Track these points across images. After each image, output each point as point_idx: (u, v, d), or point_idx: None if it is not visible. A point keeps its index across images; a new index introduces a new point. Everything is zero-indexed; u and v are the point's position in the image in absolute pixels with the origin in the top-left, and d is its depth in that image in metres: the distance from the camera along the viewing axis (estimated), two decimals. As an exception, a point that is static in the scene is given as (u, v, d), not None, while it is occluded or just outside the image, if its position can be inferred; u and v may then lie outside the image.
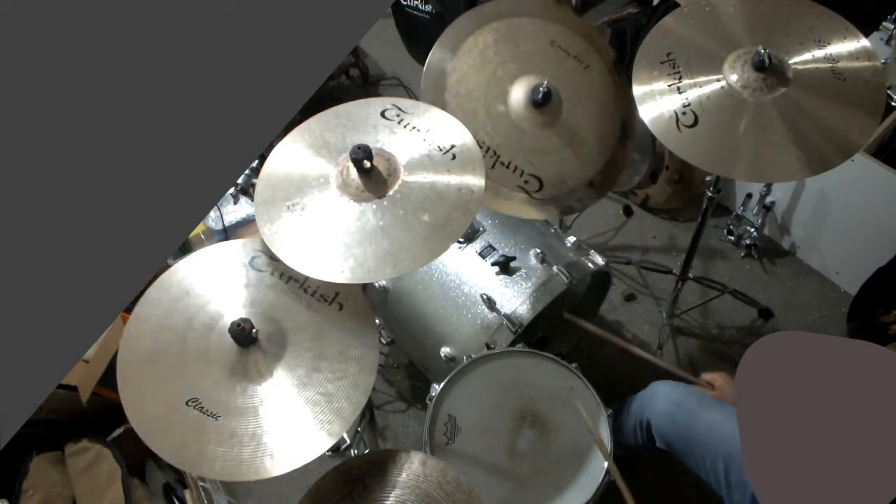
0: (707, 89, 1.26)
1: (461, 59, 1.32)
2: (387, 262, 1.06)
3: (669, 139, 1.23)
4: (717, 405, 1.28)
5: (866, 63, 1.24)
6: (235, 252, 1.18)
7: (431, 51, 1.31)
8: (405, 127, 1.20)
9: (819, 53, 1.26)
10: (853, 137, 1.19)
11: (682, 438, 1.29)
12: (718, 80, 1.26)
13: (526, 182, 1.25)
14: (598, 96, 1.35)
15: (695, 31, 1.32)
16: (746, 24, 1.31)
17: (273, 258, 1.15)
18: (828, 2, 1.31)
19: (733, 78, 1.25)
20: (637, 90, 1.28)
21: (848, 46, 1.26)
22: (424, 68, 1.31)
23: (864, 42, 1.26)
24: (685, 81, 1.27)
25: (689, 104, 1.25)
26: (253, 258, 1.16)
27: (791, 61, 1.26)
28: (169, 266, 1.16)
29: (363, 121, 1.21)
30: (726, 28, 1.31)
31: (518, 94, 1.31)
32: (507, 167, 1.25)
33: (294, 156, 1.18)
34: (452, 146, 1.17)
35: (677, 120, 1.24)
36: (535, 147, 1.28)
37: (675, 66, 1.28)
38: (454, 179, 1.13)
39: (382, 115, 1.22)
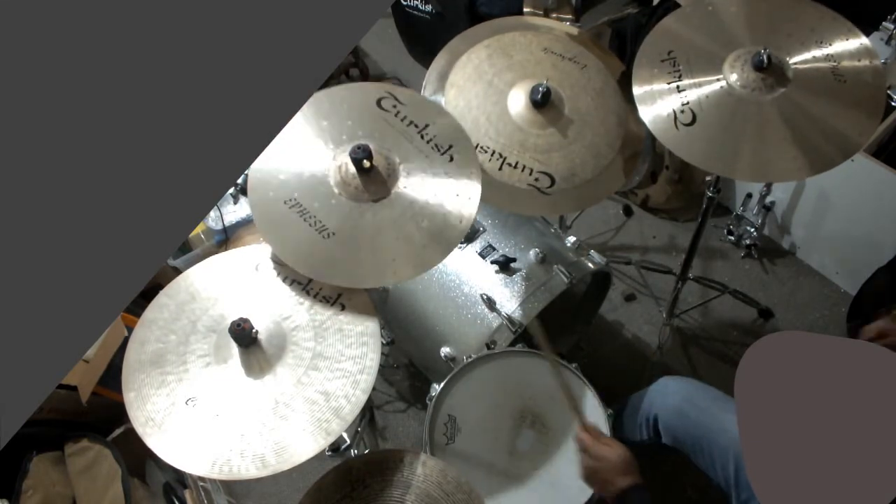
0: (707, 88, 1.26)
1: (456, 74, 1.34)
2: (387, 268, 1.06)
3: (667, 138, 1.23)
4: (728, 403, 1.28)
5: (867, 65, 1.24)
6: (242, 258, 1.19)
7: (423, 87, 1.34)
8: (402, 120, 1.19)
9: (820, 54, 1.26)
10: (853, 137, 1.19)
11: (692, 435, 1.28)
12: (718, 80, 1.26)
13: (536, 180, 1.26)
14: (599, 91, 1.36)
15: (696, 30, 1.32)
16: (748, 25, 1.31)
17: (278, 262, 1.15)
18: (829, 2, 1.31)
19: (733, 77, 1.25)
20: (637, 89, 1.28)
21: (849, 47, 1.26)
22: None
23: (865, 43, 1.25)
24: (685, 80, 1.27)
25: (687, 102, 1.25)
26: (258, 263, 1.17)
27: (791, 62, 1.26)
28: (169, 266, 1.16)
29: (360, 108, 1.20)
30: (728, 28, 1.31)
31: (517, 98, 1.32)
32: (515, 167, 1.26)
33: (289, 146, 1.17)
34: (450, 146, 1.17)
35: (675, 118, 1.24)
36: (541, 145, 1.29)
37: (675, 65, 1.29)
38: (452, 183, 1.13)
39: (378, 104, 1.21)
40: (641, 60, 1.30)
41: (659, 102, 1.26)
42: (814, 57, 1.26)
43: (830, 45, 1.26)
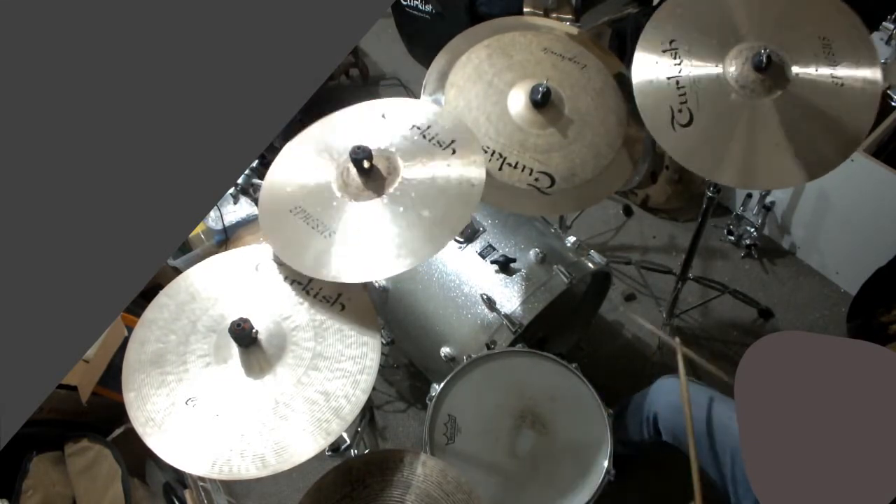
0: (706, 85, 1.25)
1: (456, 74, 1.34)
2: (388, 259, 1.06)
3: (664, 138, 1.23)
4: (725, 400, 1.28)
5: (865, 67, 1.23)
6: (242, 258, 1.19)
7: (423, 87, 1.35)
8: (405, 125, 1.20)
9: (820, 55, 1.26)
10: (847, 143, 1.19)
11: None
12: (717, 77, 1.26)
13: (536, 180, 1.26)
14: (599, 91, 1.36)
15: (701, 14, 1.31)
16: (753, 12, 1.30)
17: (278, 262, 1.15)
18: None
19: (732, 73, 1.25)
20: (636, 73, 1.27)
21: (850, 47, 1.25)
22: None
23: (866, 43, 1.25)
24: (685, 70, 1.26)
25: (685, 100, 1.24)
26: (258, 263, 1.17)
27: (791, 62, 1.25)
28: (169, 266, 1.17)
29: (364, 123, 1.22)
30: (733, 14, 1.30)
31: (517, 97, 1.32)
32: (515, 167, 1.26)
33: (296, 163, 1.19)
34: (453, 141, 1.17)
35: (672, 118, 1.24)
36: (541, 145, 1.29)
37: (676, 56, 1.28)
38: (454, 173, 1.13)
39: (383, 117, 1.22)
40: (644, 45, 1.29)
41: (657, 90, 1.25)
42: (814, 57, 1.25)
43: (832, 42, 1.25)
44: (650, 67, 1.28)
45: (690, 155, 1.22)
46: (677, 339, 1.30)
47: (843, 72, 1.23)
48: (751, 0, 1.32)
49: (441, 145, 1.17)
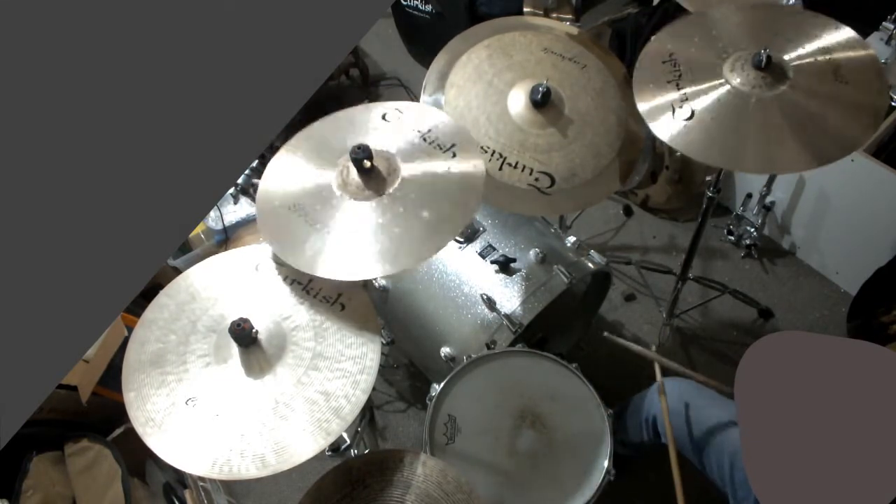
0: (709, 90, 1.25)
1: (456, 74, 1.34)
2: (386, 259, 1.06)
3: (673, 137, 1.22)
4: (724, 403, 1.28)
5: (869, 68, 1.23)
6: (242, 258, 1.19)
7: (423, 87, 1.35)
8: (405, 127, 1.20)
9: (822, 58, 1.25)
10: (857, 132, 1.18)
11: (689, 435, 1.29)
12: (721, 84, 1.25)
13: (536, 180, 1.26)
14: (599, 91, 1.36)
15: (694, 41, 1.31)
16: (749, 31, 1.30)
17: (278, 262, 1.15)
18: (829, 2, 1.31)
19: (736, 80, 1.24)
20: (642, 106, 1.26)
21: (852, 54, 1.24)
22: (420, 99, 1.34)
23: (870, 52, 1.24)
24: (689, 88, 1.26)
25: (692, 115, 1.23)
26: (258, 263, 1.17)
27: (792, 63, 1.25)
28: (169, 266, 1.16)
29: (364, 123, 1.22)
30: (725, 35, 1.30)
31: (517, 97, 1.32)
32: (515, 167, 1.26)
33: (295, 160, 1.18)
34: (453, 145, 1.17)
35: (673, 111, 1.23)
36: (541, 145, 1.29)
37: (675, 66, 1.28)
38: (455, 176, 1.13)
39: (384, 118, 1.23)
40: (641, 76, 1.29)
41: (667, 115, 1.25)
42: (815, 59, 1.25)
43: (832, 53, 1.25)
44: (653, 90, 1.28)
45: (699, 148, 1.20)
46: (653, 347, 1.30)
47: (844, 70, 1.23)
48: (747, 20, 1.32)
49: (441, 148, 1.17)
